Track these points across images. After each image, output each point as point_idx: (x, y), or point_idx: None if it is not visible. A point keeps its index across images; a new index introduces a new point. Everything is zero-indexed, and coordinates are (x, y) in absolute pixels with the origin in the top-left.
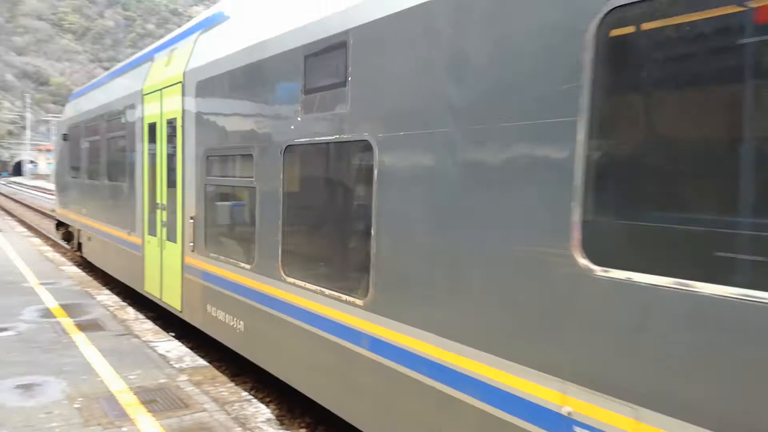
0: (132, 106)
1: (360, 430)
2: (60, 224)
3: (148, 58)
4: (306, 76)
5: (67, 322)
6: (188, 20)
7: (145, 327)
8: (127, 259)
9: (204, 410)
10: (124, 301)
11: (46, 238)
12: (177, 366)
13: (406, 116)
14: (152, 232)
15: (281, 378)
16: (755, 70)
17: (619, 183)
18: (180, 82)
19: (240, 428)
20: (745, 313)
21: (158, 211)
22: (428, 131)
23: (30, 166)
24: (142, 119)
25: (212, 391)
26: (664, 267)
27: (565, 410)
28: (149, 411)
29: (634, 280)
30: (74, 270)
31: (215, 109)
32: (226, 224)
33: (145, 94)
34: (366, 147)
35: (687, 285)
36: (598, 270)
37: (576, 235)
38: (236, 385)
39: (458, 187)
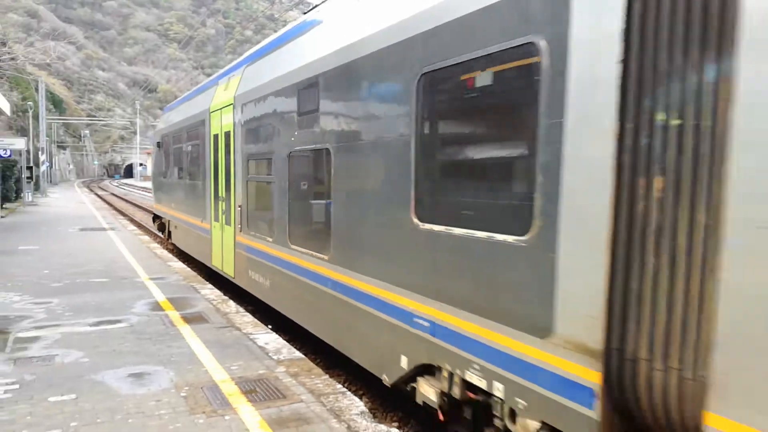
0: (203, 121)
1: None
2: (156, 217)
3: (215, 83)
4: (299, 104)
5: (174, 315)
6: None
7: (245, 320)
8: (201, 241)
9: (301, 401)
10: (225, 294)
11: (154, 236)
12: (275, 358)
13: (343, 133)
14: (216, 218)
15: (285, 314)
16: (476, 115)
17: (427, 176)
18: (232, 104)
19: (335, 420)
20: (471, 243)
21: (220, 203)
22: (351, 143)
23: (140, 168)
24: (209, 131)
25: (308, 383)
26: (442, 221)
27: (409, 309)
28: (249, 401)
29: (434, 229)
30: (180, 266)
31: (251, 125)
32: (258, 210)
33: (211, 112)
34: (328, 153)
35: (450, 229)
36: (420, 224)
37: (412, 206)
38: (331, 377)
39: (364, 178)
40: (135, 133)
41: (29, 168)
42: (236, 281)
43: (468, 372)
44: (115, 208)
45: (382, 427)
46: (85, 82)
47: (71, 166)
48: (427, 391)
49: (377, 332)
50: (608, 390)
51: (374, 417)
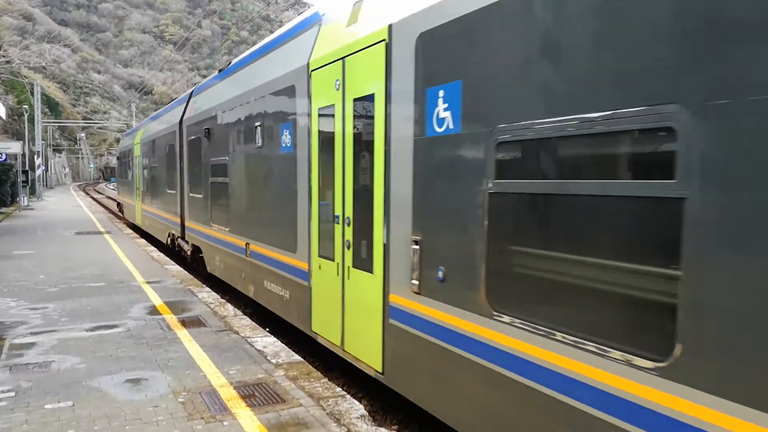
0: (131, 150)
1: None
2: (119, 204)
3: (138, 129)
4: (151, 148)
5: (172, 319)
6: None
7: (243, 323)
8: (132, 211)
9: (300, 405)
10: (223, 297)
11: (151, 238)
12: (273, 361)
13: (151, 161)
14: (136, 199)
15: (152, 234)
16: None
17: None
18: (139, 142)
19: (335, 424)
20: (170, 195)
21: (137, 190)
22: (154, 167)
23: None
24: (134, 154)
25: (307, 387)
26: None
27: (165, 217)
28: (248, 405)
29: (190, 193)
30: (177, 269)
31: (144, 154)
32: (146, 192)
33: (134, 144)
34: (153, 168)
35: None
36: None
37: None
38: (330, 380)
39: (160, 176)
40: None
41: (25, 172)
42: (142, 227)
43: (172, 232)
44: (111, 211)
45: (383, 430)
46: (81, 84)
47: (67, 170)
48: (167, 241)
49: (163, 227)
50: (180, 224)
51: (374, 420)
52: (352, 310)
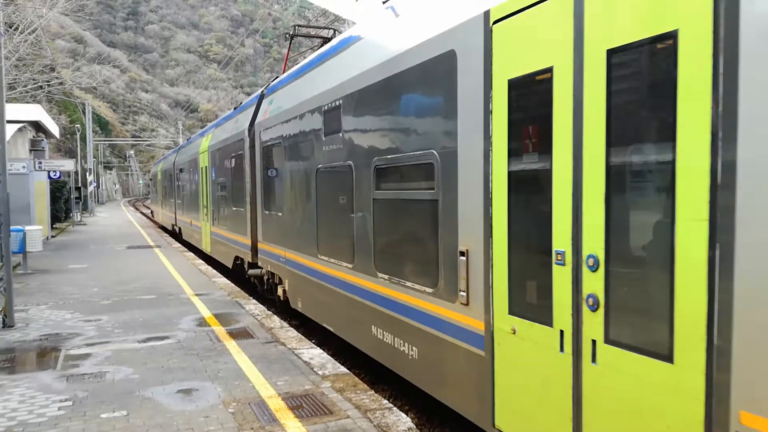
0: (156, 173)
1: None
2: (152, 212)
3: (159, 162)
4: (163, 176)
5: (220, 331)
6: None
7: (289, 335)
8: (158, 214)
9: (348, 417)
10: (269, 309)
11: (198, 252)
12: (320, 373)
13: (164, 178)
14: (156, 206)
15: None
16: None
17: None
18: (159, 170)
19: None
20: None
21: (158, 200)
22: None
23: None
24: (157, 176)
25: (354, 398)
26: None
27: (171, 215)
28: (296, 417)
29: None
30: (224, 281)
31: (162, 179)
32: (161, 199)
33: (158, 170)
34: (160, 183)
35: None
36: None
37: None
38: (376, 392)
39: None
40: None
41: (78, 188)
42: (161, 223)
43: (171, 222)
44: (160, 226)
45: None
46: (130, 103)
47: (117, 186)
48: (171, 227)
49: (168, 220)
50: (174, 217)
51: None
52: (206, 237)
